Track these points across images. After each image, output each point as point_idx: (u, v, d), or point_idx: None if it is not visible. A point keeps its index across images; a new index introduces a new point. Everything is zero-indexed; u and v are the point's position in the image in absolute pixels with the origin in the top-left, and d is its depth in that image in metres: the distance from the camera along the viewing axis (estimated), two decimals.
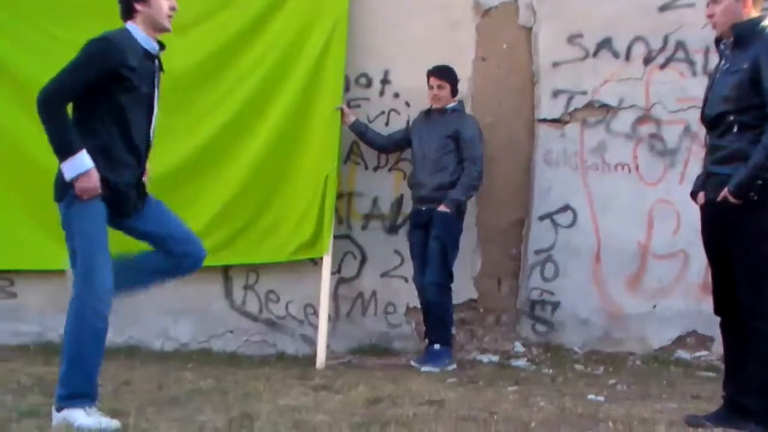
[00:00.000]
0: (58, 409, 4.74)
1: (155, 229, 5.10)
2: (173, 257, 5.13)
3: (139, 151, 5.01)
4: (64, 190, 4.79)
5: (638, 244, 7.54)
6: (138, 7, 4.88)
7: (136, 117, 4.90)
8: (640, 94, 7.56)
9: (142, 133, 5.00)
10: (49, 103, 4.69)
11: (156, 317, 7.80)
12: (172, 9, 4.97)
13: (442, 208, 7.11)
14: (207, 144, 7.57)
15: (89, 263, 4.75)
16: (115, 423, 4.72)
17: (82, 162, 4.68)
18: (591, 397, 5.86)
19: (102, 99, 4.78)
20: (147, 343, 7.82)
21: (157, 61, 5.04)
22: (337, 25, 7.51)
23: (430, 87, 7.34)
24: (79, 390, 4.76)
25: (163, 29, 4.98)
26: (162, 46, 5.05)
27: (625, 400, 5.77)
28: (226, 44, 7.56)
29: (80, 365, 4.77)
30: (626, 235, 7.54)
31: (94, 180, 4.70)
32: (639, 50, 7.57)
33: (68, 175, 4.67)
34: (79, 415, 4.68)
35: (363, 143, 7.74)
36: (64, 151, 4.67)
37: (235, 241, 7.58)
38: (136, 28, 4.91)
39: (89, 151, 4.72)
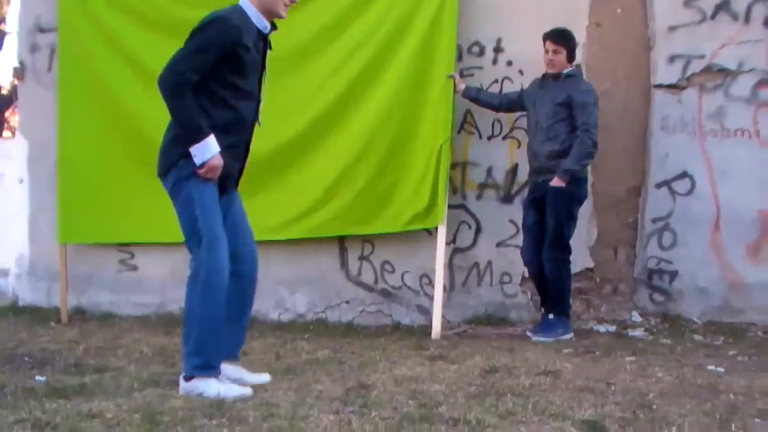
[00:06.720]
0: (187, 379, 4.83)
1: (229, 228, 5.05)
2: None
3: (247, 129, 5.07)
4: (172, 165, 4.87)
5: (758, 211, 7.37)
6: None
7: (244, 96, 4.94)
8: (761, 57, 7.37)
9: (251, 110, 5.04)
10: (177, 87, 4.71)
11: (273, 288, 7.91)
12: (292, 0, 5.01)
13: (555, 182, 6.96)
14: (320, 115, 7.61)
15: (212, 234, 4.81)
16: (248, 390, 4.82)
17: (212, 146, 4.73)
18: (711, 368, 5.75)
19: (212, 79, 4.80)
20: (264, 314, 7.96)
21: (264, 41, 5.06)
22: None
23: (546, 51, 7.17)
24: (209, 360, 4.85)
25: (277, 16, 5.00)
26: (274, 26, 5.05)
27: (746, 372, 5.65)
28: (339, 15, 7.57)
29: (212, 335, 4.83)
30: (746, 202, 7.38)
31: (221, 163, 4.76)
32: (759, 12, 7.36)
33: (199, 159, 4.72)
34: (211, 384, 4.78)
35: (477, 105, 7.65)
36: (195, 136, 4.72)
37: (349, 211, 7.62)
38: (249, 6, 4.90)
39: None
